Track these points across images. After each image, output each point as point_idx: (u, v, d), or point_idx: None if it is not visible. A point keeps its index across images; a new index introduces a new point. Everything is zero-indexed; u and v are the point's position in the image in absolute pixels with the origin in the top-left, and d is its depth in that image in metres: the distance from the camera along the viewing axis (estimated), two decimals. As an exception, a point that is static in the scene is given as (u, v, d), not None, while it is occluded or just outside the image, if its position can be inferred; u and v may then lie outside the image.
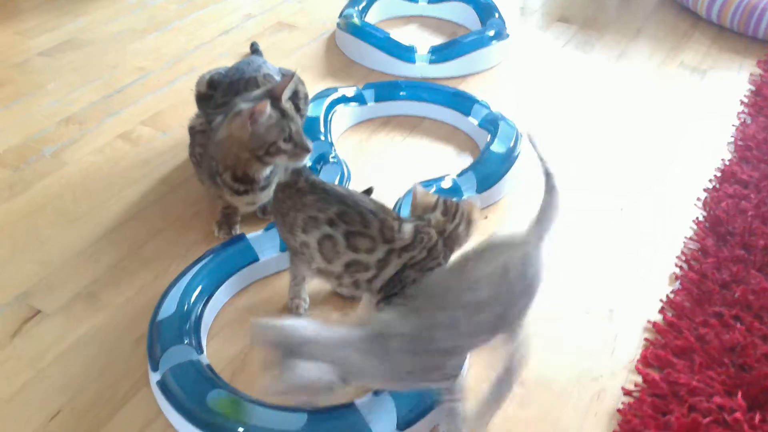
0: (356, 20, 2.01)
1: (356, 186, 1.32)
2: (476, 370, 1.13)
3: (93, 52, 1.99)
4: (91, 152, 1.60)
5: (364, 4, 2.13)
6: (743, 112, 1.82)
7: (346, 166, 1.50)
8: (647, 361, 1.17)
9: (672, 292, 1.30)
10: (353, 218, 1.08)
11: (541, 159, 1.06)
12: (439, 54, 1.93)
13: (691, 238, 1.42)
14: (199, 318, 1.17)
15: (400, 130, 1.73)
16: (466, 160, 1.62)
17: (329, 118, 1.65)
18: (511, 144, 1.56)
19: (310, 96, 1.63)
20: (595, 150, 1.70)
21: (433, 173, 1.47)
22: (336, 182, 1.43)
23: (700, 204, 1.51)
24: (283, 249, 1.29)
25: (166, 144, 1.64)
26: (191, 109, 1.48)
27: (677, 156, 1.68)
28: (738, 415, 1.06)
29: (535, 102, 1.87)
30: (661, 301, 1.28)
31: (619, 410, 1.09)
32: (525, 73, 1.99)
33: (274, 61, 1.59)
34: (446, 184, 1.43)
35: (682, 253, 1.38)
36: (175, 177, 1.54)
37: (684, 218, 1.47)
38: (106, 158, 1.59)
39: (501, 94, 1.85)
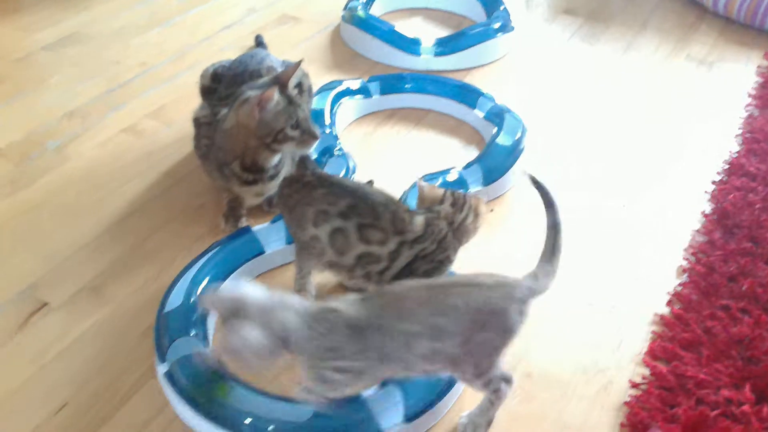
0: (361, 12, 2.00)
1: (359, 179, 1.32)
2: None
3: (95, 46, 1.98)
4: (95, 146, 1.60)
5: (368, -4, 2.13)
6: (750, 104, 1.81)
7: (351, 159, 1.50)
8: (654, 353, 1.16)
9: (679, 284, 1.29)
10: (364, 210, 1.08)
11: (545, 193, 1.04)
12: (445, 46, 1.92)
13: (698, 231, 1.41)
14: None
15: (406, 122, 1.73)
16: (472, 153, 1.61)
17: (334, 111, 1.64)
18: (517, 136, 1.55)
19: (315, 89, 1.62)
20: (601, 143, 1.69)
21: (439, 166, 1.47)
22: (341, 175, 1.42)
23: (707, 197, 1.50)
24: (289, 241, 1.28)
25: (170, 137, 1.63)
26: (195, 103, 1.48)
27: (684, 149, 1.67)
28: (746, 407, 1.05)
29: (541, 94, 1.86)
30: (668, 293, 1.27)
31: (626, 403, 1.09)
32: (530, 66, 1.98)
33: (278, 53, 1.59)
34: (452, 176, 1.43)
35: (690, 245, 1.38)
36: (179, 170, 1.54)
37: (691, 211, 1.46)
38: (110, 152, 1.59)
39: (506, 86, 1.85)
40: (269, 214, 1.39)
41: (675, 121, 1.77)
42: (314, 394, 0.95)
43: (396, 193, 1.29)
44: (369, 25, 1.97)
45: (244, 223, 1.38)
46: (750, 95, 1.84)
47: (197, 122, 1.42)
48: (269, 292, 0.94)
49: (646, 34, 2.14)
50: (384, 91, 1.75)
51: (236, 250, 1.27)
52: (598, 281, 1.31)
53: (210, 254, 1.25)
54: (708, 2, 2.19)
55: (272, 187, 1.36)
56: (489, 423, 1.02)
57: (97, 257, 1.31)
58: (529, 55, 2.03)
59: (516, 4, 2.26)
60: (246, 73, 1.44)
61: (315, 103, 1.62)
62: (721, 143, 1.67)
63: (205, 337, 1.11)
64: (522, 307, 0.95)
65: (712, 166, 1.59)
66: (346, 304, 0.94)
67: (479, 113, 1.68)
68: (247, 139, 1.27)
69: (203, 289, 1.18)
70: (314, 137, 1.28)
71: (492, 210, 1.45)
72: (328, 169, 1.44)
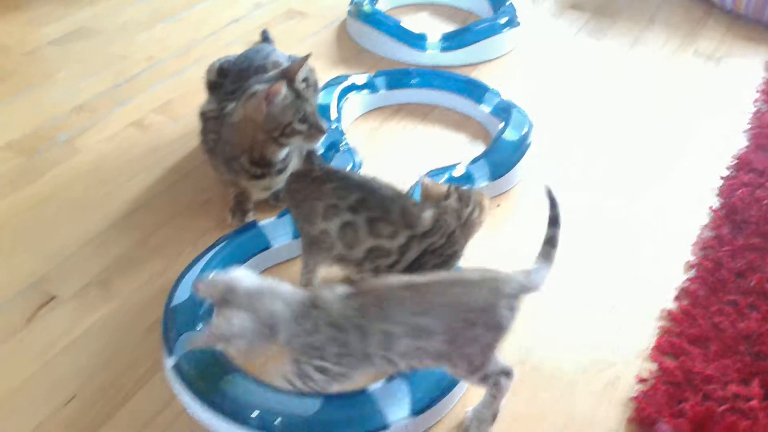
0: (367, 8, 2.00)
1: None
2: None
3: (102, 41, 1.99)
4: (102, 140, 1.61)
5: (374, -9, 2.12)
6: (758, 99, 1.80)
7: (357, 155, 1.50)
8: (662, 349, 1.16)
9: (687, 280, 1.29)
10: (374, 204, 1.08)
11: (553, 205, 1.02)
12: (451, 41, 1.92)
13: (706, 227, 1.41)
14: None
15: (412, 118, 1.72)
16: (478, 148, 1.61)
17: (340, 106, 1.64)
18: (524, 132, 1.55)
19: (321, 84, 1.62)
20: (607, 138, 1.68)
21: (445, 161, 1.47)
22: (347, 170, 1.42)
23: (715, 192, 1.50)
24: (295, 236, 1.28)
25: (177, 132, 1.64)
26: (201, 98, 1.48)
27: (692, 144, 1.66)
28: (754, 403, 1.05)
29: (547, 90, 1.85)
30: (675, 289, 1.27)
31: (633, 398, 1.09)
32: (537, 61, 1.98)
33: (285, 48, 1.59)
34: (459, 172, 1.43)
35: (697, 241, 1.37)
36: (186, 165, 1.54)
37: (699, 206, 1.46)
38: (117, 146, 1.59)
39: (512, 81, 1.84)
40: (276, 209, 1.39)
41: (682, 116, 1.76)
42: (293, 386, 0.96)
43: (402, 188, 1.29)
44: (375, 21, 1.97)
45: (250, 217, 1.38)
46: (758, 91, 1.83)
47: (204, 116, 1.43)
48: (261, 280, 0.95)
49: (654, 29, 2.13)
50: (390, 87, 1.75)
51: (243, 245, 1.28)
52: (605, 276, 1.31)
53: (217, 248, 1.25)
54: (716, -3, 2.19)
55: (280, 182, 1.37)
56: (494, 416, 1.02)
57: (105, 251, 1.32)
58: (535, 51, 2.02)
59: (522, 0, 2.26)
60: (252, 68, 1.44)
61: (321, 98, 1.62)
62: (728, 139, 1.66)
63: (212, 331, 1.12)
64: (511, 302, 0.94)
65: (720, 162, 1.58)
66: (331, 299, 0.94)
67: (486, 108, 1.67)
68: (255, 132, 1.27)
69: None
70: (321, 131, 1.28)
71: (498, 205, 1.45)
72: (334, 165, 1.45)
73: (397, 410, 1.01)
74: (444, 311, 0.92)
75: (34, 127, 1.64)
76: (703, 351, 1.14)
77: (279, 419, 0.98)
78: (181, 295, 1.16)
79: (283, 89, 1.23)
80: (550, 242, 1.00)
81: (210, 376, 1.03)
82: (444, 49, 1.91)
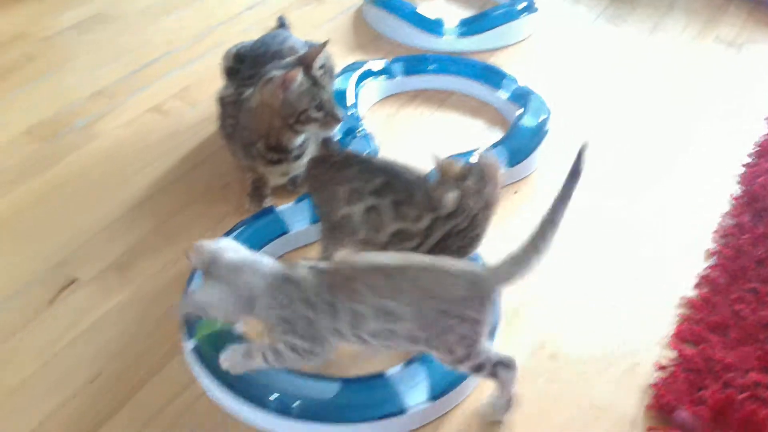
0: (384, -7, 1.99)
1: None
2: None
3: (121, 26, 1.99)
4: (121, 125, 1.61)
5: (392, -23, 2.11)
6: (780, 86, 1.78)
7: (374, 141, 1.50)
8: (681, 336, 1.15)
9: (707, 267, 1.28)
10: (399, 187, 1.08)
11: (576, 173, 0.96)
12: (468, 27, 1.90)
13: (726, 214, 1.39)
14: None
15: (429, 104, 1.72)
16: (496, 135, 1.60)
17: (357, 92, 1.64)
18: (542, 118, 1.54)
19: (338, 70, 1.62)
20: (627, 125, 1.67)
21: (462, 147, 1.46)
22: (365, 155, 1.42)
23: (736, 179, 1.48)
24: (313, 221, 1.29)
25: (195, 117, 1.64)
26: (219, 84, 1.48)
27: (713, 131, 1.64)
28: (774, 390, 1.05)
29: (566, 76, 1.84)
30: (696, 276, 1.26)
31: (652, 385, 1.08)
32: (555, 47, 1.96)
33: (301, 34, 1.58)
34: (476, 158, 1.42)
35: (718, 228, 1.36)
36: (204, 150, 1.54)
37: (720, 194, 1.45)
38: (136, 132, 1.60)
39: (530, 67, 1.83)
40: (293, 194, 1.39)
41: (703, 103, 1.74)
42: (267, 362, 0.97)
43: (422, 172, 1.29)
44: (392, 6, 1.95)
45: (268, 202, 1.38)
46: (780, 77, 1.81)
47: (222, 102, 1.43)
48: (243, 253, 0.96)
49: (674, 15, 2.11)
50: (407, 72, 1.74)
51: (261, 230, 1.28)
52: (625, 263, 1.30)
53: (235, 233, 1.26)
54: (737, -17, 2.15)
55: (297, 167, 1.37)
56: (508, 403, 1.01)
57: (125, 235, 1.33)
58: (553, 37, 2.00)
59: (541, -15, 2.23)
60: (268, 53, 1.44)
61: (338, 84, 1.61)
62: (750, 125, 1.64)
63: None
64: (486, 294, 0.93)
65: (742, 149, 1.57)
66: (305, 275, 0.94)
67: (503, 94, 1.66)
68: (271, 118, 1.27)
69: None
70: (337, 119, 1.28)
71: (516, 192, 1.44)
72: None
73: (415, 395, 1.01)
74: (412, 297, 0.91)
75: (53, 112, 1.64)
76: (723, 339, 1.14)
77: (297, 402, 0.99)
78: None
79: (299, 76, 1.23)
80: (563, 197, 0.96)
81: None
82: (461, 34, 1.90)
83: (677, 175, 1.51)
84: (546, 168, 1.51)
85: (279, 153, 1.32)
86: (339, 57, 1.68)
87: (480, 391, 1.07)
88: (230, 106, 1.39)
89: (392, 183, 1.09)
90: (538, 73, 1.81)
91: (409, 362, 1.04)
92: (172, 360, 1.10)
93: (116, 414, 1.03)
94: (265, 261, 0.97)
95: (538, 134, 1.51)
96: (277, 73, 1.26)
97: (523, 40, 1.97)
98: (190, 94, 1.72)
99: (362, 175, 1.10)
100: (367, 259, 0.96)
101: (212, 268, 0.94)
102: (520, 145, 1.48)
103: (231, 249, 0.96)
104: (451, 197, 1.08)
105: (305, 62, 1.27)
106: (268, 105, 1.27)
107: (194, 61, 1.85)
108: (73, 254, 1.28)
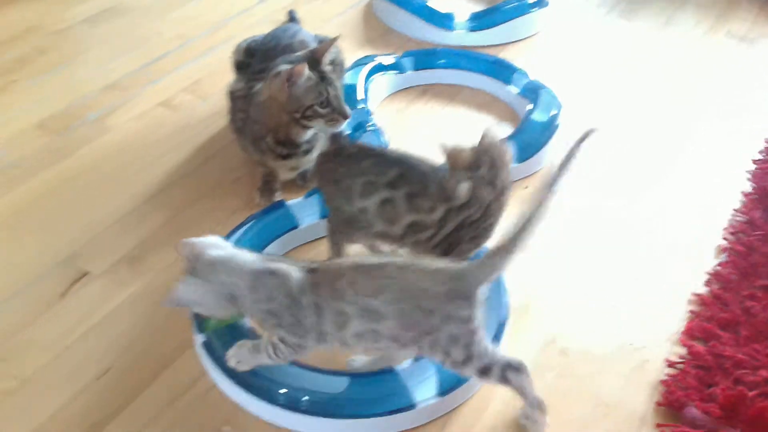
0: (394, -13, 1.99)
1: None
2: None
3: (133, 20, 2.00)
4: (133, 118, 1.62)
5: (402, -30, 2.10)
6: (793, 82, 1.77)
7: (384, 135, 1.50)
8: (692, 333, 1.15)
9: (718, 264, 1.27)
10: (413, 179, 1.08)
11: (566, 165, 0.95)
12: (479, 21, 1.90)
13: (738, 211, 1.39)
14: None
15: (439, 98, 1.72)
16: (506, 129, 1.60)
17: (367, 87, 1.64)
18: (552, 113, 1.53)
19: (348, 64, 1.62)
20: (638, 120, 1.66)
21: (473, 142, 1.46)
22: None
23: (747, 176, 1.48)
24: (323, 216, 1.29)
25: (206, 111, 1.64)
26: (229, 77, 1.49)
27: (725, 127, 1.64)
28: (785, 388, 1.04)
29: (576, 71, 1.83)
30: (706, 273, 1.26)
31: (662, 381, 1.08)
32: (566, 42, 1.96)
33: (311, 28, 1.58)
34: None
35: (729, 225, 1.36)
36: (214, 144, 1.55)
37: (731, 190, 1.44)
38: (148, 124, 1.60)
39: (541, 62, 1.82)
40: (303, 189, 1.40)
41: (714, 98, 1.73)
42: (268, 355, 0.97)
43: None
44: (402, 0, 1.95)
45: (278, 197, 1.38)
46: (793, 73, 1.80)
47: (232, 96, 1.43)
48: (225, 251, 0.96)
49: (686, 9, 2.10)
50: (417, 67, 1.74)
51: (271, 224, 1.28)
52: (635, 259, 1.30)
53: (245, 227, 1.26)
54: (751, -23, 2.14)
55: (306, 162, 1.37)
56: (537, 404, 0.98)
57: (136, 228, 1.33)
58: (564, 31, 2.00)
59: (552, -21, 2.22)
60: (279, 47, 1.44)
61: (348, 78, 1.61)
62: (762, 121, 1.63)
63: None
64: (469, 291, 0.91)
65: (753, 145, 1.56)
66: (287, 270, 0.94)
67: (514, 89, 1.66)
68: (278, 113, 1.27)
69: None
70: (344, 116, 1.27)
71: (526, 187, 1.44)
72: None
73: (424, 390, 1.01)
74: (393, 294, 0.90)
75: (65, 105, 1.65)
76: (734, 335, 1.13)
77: (306, 397, 1.00)
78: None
79: (305, 71, 1.22)
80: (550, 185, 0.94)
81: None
82: (472, 29, 1.89)
83: (687, 171, 1.50)
84: (555, 163, 1.50)
85: (288, 147, 1.33)
86: (349, 51, 1.68)
87: (489, 389, 1.07)
88: (240, 101, 1.39)
89: (406, 175, 1.09)
90: (549, 67, 1.80)
91: (419, 357, 1.04)
92: (183, 353, 1.11)
93: (127, 407, 1.04)
94: (246, 257, 0.96)
95: (548, 129, 1.51)
96: (285, 67, 1.26)
97: (534, 34, 1.96)
98: (201, 87, 1.73)
99: (376, 168, 1.09)
100: (349, 259, 0.96)
101: (195, 265, 0.95)
102: (530, 139, 1.48)
103: (214, 246, 0.97)
104: (464, 188, 1.07)
105: (315, 57, 1.27)
106: (275, 99, 1.27)
107: (205, 54, 1.85)
108: (85, 247, 1.29)
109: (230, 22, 2.00)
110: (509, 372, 0.95)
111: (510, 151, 1.13)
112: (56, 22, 1.96)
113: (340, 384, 1.01)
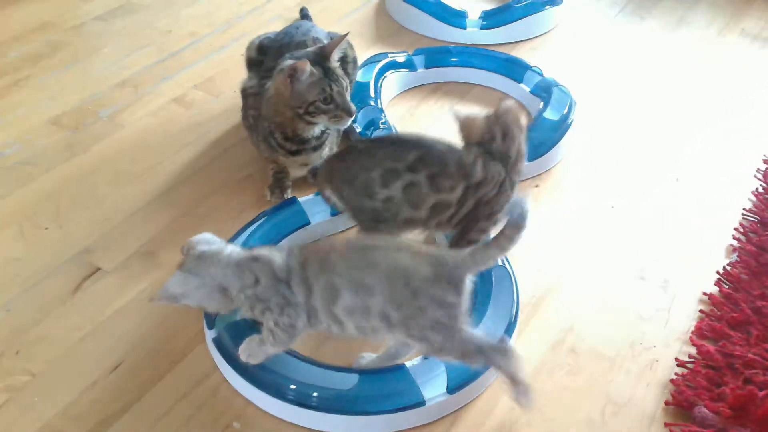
0: (407, -15, 1.99)
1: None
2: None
3: (146, 16, 2.01)
4: (146, 115, 1.63)
5: (414, -32, 2.10)
6: (807, 81, 1.76)
7: (396, 132, 1.50)
8: (702, 332, 1.15)
9: (728, 264, 1.27)
10: (433, 160, 1.09)
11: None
12: (491, 19, 1.90)
13: (749, 210, 1.38)
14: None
15: (451, 96, 1.72)
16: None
17: (379, 84, 1.64)
18: (565, 111, 1.53)
19: (361, 62, 1.62)
20: (650, 118, 1.66)
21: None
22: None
23: (759, 176, 1.47)
24: (333, 213, 1.29)
25: (218, 108, 1.65)
26: (242, 74, 1.50)
27: (737, 126, 1.63)
28: (796, 389, 1.04)
29: (589, 69, 1.83)
30: (717, 273, 1.26)
31: (672, 381, 1.08)
32: (578, 40, 1.95)
33: (323, 26, 1.59)
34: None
35: (740, 225, 1.35)
36: (227, 140, 1.55)
37: (742, 190, 1.43)
38: (161, 121, 1.61)
39: (553, 60, 1.82)
40: (314, 186, 1.40)
41: (727, 98, 1.72)
42: (266, 342, 0.98)
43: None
44: (415, -2, 1.95)
45: (289, 194, 1.39)
46: (807, 72, 1.79)
47: (245, 93, 1.44)
48: (216, 245, 0.99)
49: (698, 8, 2.08)
50: (429, 65, 1.74)
51: (282, 221, 1.29)
52: (647, 258, 1.29)
53: (257, 224, 1.27)
54: (765, -25, 2.12)
55: (317, 158, 1.37)
56: (523, 391, 0.96)
57: (148, 225, 1.34)
58: (577, 30, 1.99)
59: (565, -23, 2.21)
60: (292, 44, 1.44)
61: (361, 76, 1.62)
62: (775, 120, 1.63)
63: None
64: (455, 279, 0.92)
65: (764, 144, 1.55)
66: (269, 253, 0.97)
67: (525, 87, 1.66)
68: (283, 108, 1.28)
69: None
70: (348, 113, 1.27)
71: (537, 186, 1.44)
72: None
73: (434, 387, 1.02)
74: (383, 271, 0.92)
75: (78, 101, 1.67)
76: (745, 335, 1.13)
77: (316, 393, 1.00)
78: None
79: (307, 67, 1.23)
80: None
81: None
82: (484, 26, 1.89)
83: (699, 170, 1.50)
84: (569, 161, 1.51)
85: (296, 143, 1.33)
86: (361, 49, 1.68)
87: (497, 385, 1.07)
88: (252, 98, 1.40)
89: (425, 157, 1.09)
90: (561, 65, 1.79)
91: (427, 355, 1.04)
92: (194, 349, 1.12)
93: (138, 402, 1.05)
94: (233, 249, 0.99)
95: (561, 127, 1.51)
96: (289, 63, 1.26)
97: (547, 32, 1.96)
98: (214, 84, 1.74)
99: (394, 154, 1.10)
100: (338, 239, 0.98)
101: (186, 260, 0.98)
102: (542, 137, 1.47)
103: (204, 242, 1.00)
104: (480, 165, 1.09)
105: (323, 53, 1.27)
106: (280, 95, 1.27)
107: (218, 51, 1.86)
108: (97, 243, 1.30)
109: (242, 19, 2.00)
110: (495, 355, 0.95)
111: (524, 117, 1.14)
112: (70, 19, 1.98)
113: (349, 380, 1.01)
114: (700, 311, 1.19)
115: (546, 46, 1.91)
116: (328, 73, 1.25)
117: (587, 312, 1.19)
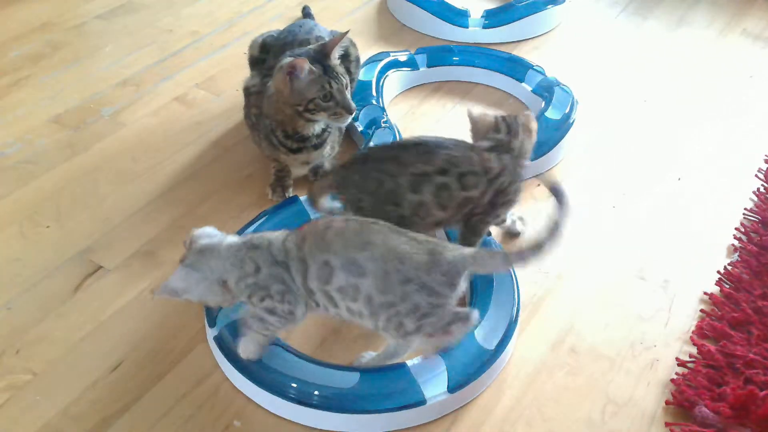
0: (408, -16, 1.99)
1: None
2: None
3: (148, 16, 2.01)
4: (148, 114, 1.63)
5: (416, -33, 2.10)
6: (809, 81, 1.75)
7: (398, 131, 1.50)
8: (702, 332, 1.15)
9: (730, 264, 1.27)
10: (459, 160, 1.10)
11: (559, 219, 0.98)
12: (493, 18, 1.90)
13: (750, 210, 1.38)
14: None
15: (452, 95, 1.71)
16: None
17: (381, 83, 1.64)
18: (567, 110, 1.53)
19: (362, 60, 1.62)
20: (652, 117, 1.66)
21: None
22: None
23: (760, 175, 1.47)
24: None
25: (220, 107, 1.65)
26: (244, 73, 1.49)
27: (738, 126, 1.63)
28: (796, 389, 1.04)
29: (591, 68, 1.83)
30: (718, 272, 1.25)
31: (672, 380, 1.08)
32: (580, 39, 1.95)
33: (325, 25, 1.58)
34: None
35: (741, 224, 1.35)
36: (228, 139, 1.55)
37: (744, 190, 1.43)
38: (162, 120, 1.61)
39: (555, 59, 1.82)
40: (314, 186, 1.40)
41: (728, 98, 1.72)
42: (253, 329, 1.00)
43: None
44: (416, -3, 1.95)
45: (291, 193, 1.39)
46: (809, 72, 1.78)
47: (247, 92, 1.44)
48: (216, 238, 0.99)
49: (699, 8, 2.08)
50: (431, 64, 1.74)
51: (284, 220, 1.29)
52: (648, 258, 1.29)
53: (258, 223, 1.27)
54: (767, -25, 2.12)
55: (318, 156, 1.37)
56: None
57: (149, 224, 1.34)
58: (579, 29, 1.99)
59: (566, -24, 2.21)
60: (295, 42, 1.44)
61: (363, 75, 1.61)
62: (776, 120, 1.63)
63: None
64: (449, 272, 0.93)
65: (766, 145, 1.55)
66: (267, 239, 0.98)
67: (527, 87, 1.66)
68: (283, 106, 1.28)
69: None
70: (348, 111, 1.27)
71: (539, 185, 1.44)
72: (375, 141, 1.45)
73: (434, 386, 1.02)
74: (378, 252, 0.92)
75: (80, 100, 1.67)
76: (745, 335, 1.13)
77: (317, 392, 1.00)
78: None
79: (306, 64, 1.22)
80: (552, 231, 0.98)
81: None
82: (486, 26, 1.89)
83: (701, 169, 1.50)
84: (571, 160, 1.51)
85: (297, 141, 1.33)
86: (363, 48, 1.68)
87: (498, 384, 1.07)
88: (255, 96, 1.40)
89: (453, 156, 1.10)
90: (563, 65, 1.79)
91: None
92: (195, 348, 1.12)
93: (139, 400, 1.05)
94: (231, 240, 1.00)
95: (563, 126, 1.51)
96: (288, 60, 1.26)
97: (549, 31, 1.96)
98: (216, 83, 1.74)
99: (423, 157, 1.10)
100: (336, 217, 1.00)
101: (187, 255, 0.99)
102: (543, 137, 1.47)
103: (205, 236, 1.00)
104: (494, 158, 1.13)
105: (324, 51, 1.27)
106: (280, 92, 1.27)
107: (219, 50, 1.86)
108: (98, 242, 1.30)
109: (244, 18, 2.00)
110: (455, 325, 0.97)
111: (534, 121, 1.19)
112: (71, 18, 1.98)
113: (350, 379, 1.01)
114: (701, 311, 1.19)
115: (548, 46, 1.91)
116: (327, 70, 1.25)
117: (587, 312, 1.19)
